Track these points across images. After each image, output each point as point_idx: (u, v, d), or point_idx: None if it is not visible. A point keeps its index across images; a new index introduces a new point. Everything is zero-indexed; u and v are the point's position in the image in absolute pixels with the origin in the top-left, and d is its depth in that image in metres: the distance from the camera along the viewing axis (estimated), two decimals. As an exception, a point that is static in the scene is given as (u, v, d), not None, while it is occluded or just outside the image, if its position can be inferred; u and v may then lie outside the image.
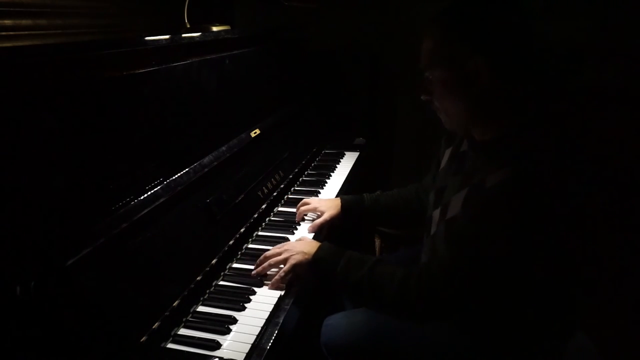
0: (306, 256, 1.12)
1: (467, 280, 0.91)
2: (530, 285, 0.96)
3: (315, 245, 1.14)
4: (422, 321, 1.06)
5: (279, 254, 1.15)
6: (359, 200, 1.47)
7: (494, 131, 0.97)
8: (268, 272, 1.15)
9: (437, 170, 1.23)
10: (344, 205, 1.44)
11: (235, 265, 1.22)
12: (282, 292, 1.09)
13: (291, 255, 1.12)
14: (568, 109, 1.87)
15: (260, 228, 1.41)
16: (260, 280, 1.13)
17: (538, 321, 0.99)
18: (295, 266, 1.11)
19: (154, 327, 0.91)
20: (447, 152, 1.19)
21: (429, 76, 0.99)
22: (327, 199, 1.51)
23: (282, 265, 1.13)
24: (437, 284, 0.93)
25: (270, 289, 1.10)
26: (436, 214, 1.11)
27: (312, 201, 1.46)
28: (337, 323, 1.21)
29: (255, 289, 1.10)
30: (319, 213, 1.42)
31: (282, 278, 1.10)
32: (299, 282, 1.13)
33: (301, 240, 1.21)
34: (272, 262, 1.14)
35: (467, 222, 0.93)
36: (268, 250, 1.20)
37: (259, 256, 1.26)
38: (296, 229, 1.41)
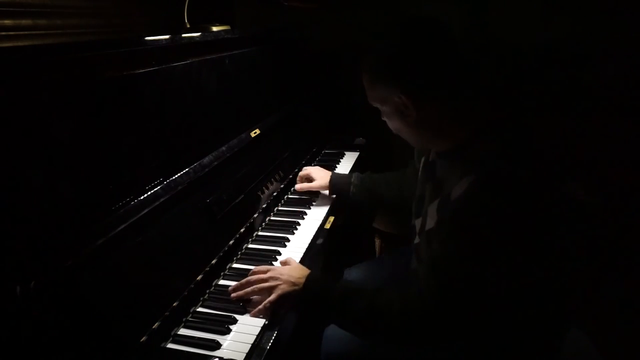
0: (295, 287, 1.04)
1: (459, 298, 0.91)
2: (518, 286, 0.95)
3: (303, 272, 1.08)
4: (429, 345, 1.04)
5: (265, 280, 1.07)
6: (346, 178, 1.56)
7: (450, 143, 1.01)
8: (252, 297, 1.07)
9: (416, 177, 1.25)
10: (332, 179, 1.57)
11: (235, 265, 1.22)
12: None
13: (278, 285, 1.04)
14: (566, 111, 1.87)
15: (260, 228, 1.41)
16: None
17: (528, 320, 0.99)
18: (281, 297, 1.03)
19: (154, 327, 0.91)
20: (422, 160, 1.22)
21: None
22: (323, 170, 1.63)
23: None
24: (432, 309, 0.92)
25: (251, 316, 1.02)
26: (418, 222, 1.12)
27: (309, 169, 1.61)
28: (337, 332, 1.20)
29: (255, 289, 1.10)
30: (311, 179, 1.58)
31: (266, 309, 1.02)
32: (284, 310, 1.05)
33: (288, 265, 1.14)
34: (256, 289, 1.06)
35: (442, 241, 0.94)
36: (267, 250, 1.18)
37: (259, 256, 1.26)
38: (296, 229, 1.40)
